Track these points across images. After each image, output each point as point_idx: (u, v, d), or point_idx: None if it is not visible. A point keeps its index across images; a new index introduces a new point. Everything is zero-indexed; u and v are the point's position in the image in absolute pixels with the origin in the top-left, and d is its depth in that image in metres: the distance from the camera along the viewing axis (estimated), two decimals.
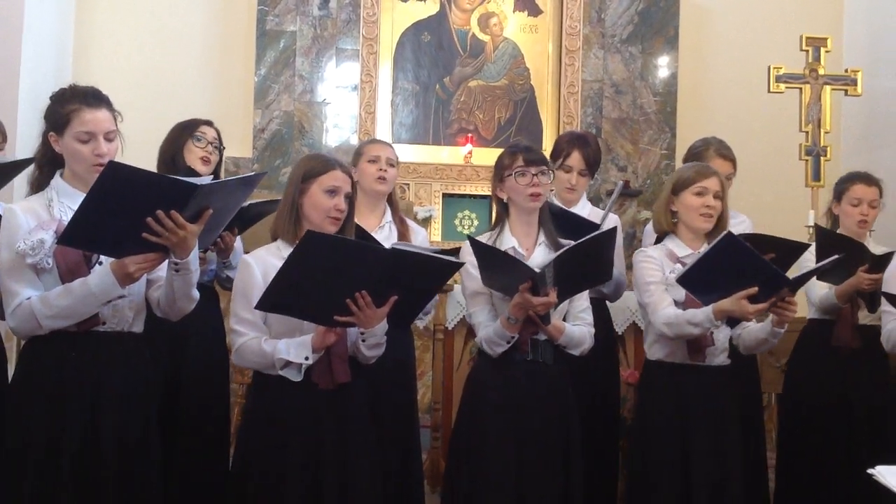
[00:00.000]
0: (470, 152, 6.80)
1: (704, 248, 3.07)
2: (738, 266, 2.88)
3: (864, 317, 3.75)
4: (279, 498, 2.62)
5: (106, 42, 6.67)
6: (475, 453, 2.96)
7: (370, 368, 2.83)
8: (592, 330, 3.10)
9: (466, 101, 6.97)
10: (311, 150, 6.47)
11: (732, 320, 3.05)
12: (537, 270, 2.80)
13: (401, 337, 3.40)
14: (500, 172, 3.08)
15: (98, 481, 2.50)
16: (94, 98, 2.59)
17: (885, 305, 3.42)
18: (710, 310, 2.96)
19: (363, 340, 2.69)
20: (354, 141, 6.51)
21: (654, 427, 3.11)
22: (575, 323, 3.06)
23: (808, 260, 3.50)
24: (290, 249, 2.56)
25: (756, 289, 2.89)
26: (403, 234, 3.56)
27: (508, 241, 3.04)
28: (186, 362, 3.32)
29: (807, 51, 6.21)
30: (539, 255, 3.02)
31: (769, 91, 6.20)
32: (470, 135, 6.88)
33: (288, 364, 2.63)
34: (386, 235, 3.46)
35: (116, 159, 2.40)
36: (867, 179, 3.84)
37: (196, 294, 2.65)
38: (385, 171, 3.55)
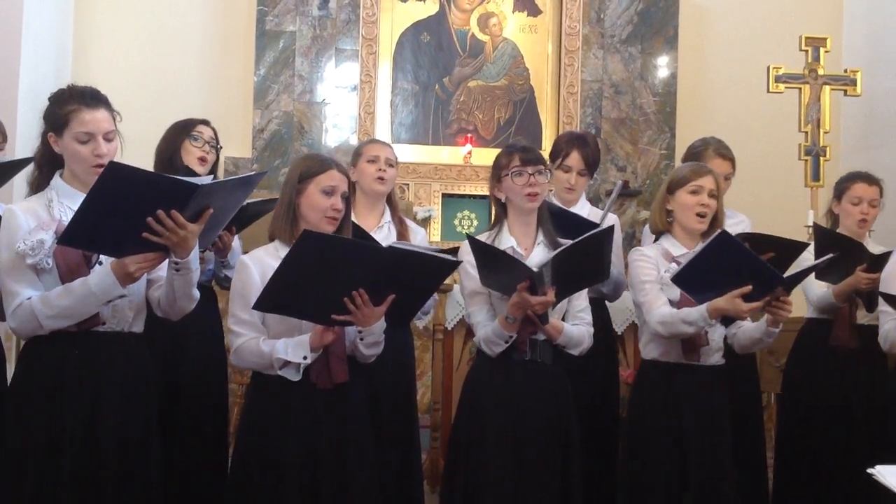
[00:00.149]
0: (469, 152, 6.80)
1: (699, 246, 3.07)
2: (733, 264, 2.88)
3: (862, 316, 3.75)
4: (278, 497, 2.62)
5: (105, 42, 6.68)
6: (474, 451, 2.96)
7: (369, 368, 2.83)
8: (591, 330, 3.10)
9: (466, 102, 6.97)
10: (310, 150, 6.48)
11: (727, 319, 3.05)
12: (535, 270, 2.80)
13: (400, 337, 3.41)
14: (497, 172, 3.07)
15: (98, 481, 2.50)
16: (92, 98, 2.59)
17: (882, 305, 3.42)
18: (705, 308, 2.96)
19: (361, 339, 2.69)
20: (354, 141, 6.51)
21: (648, 427, 3.11)
22: (574, 323, 3.06)
23: (807, 259, 3.50)
24: (288, 250, 2.56)
25: (750, 287, 2.88)
26: (402, 234, 3.56)
27: (507, 241, 3.04)
28: (185, 362, 3.31)
29: (806, 51, 6.22)
30: (538, 255, 3.01)
31: (768, 91, 6.21)
32: (469, 135, 6.88)
33: (286, 364, 2.63)
34: (385, 235, 3.46)
35: (116, 159, 2.41)
36: (868, 179, 3.85)
37: (196, 294, 2.66)
38: (384, 171, 3.56)
